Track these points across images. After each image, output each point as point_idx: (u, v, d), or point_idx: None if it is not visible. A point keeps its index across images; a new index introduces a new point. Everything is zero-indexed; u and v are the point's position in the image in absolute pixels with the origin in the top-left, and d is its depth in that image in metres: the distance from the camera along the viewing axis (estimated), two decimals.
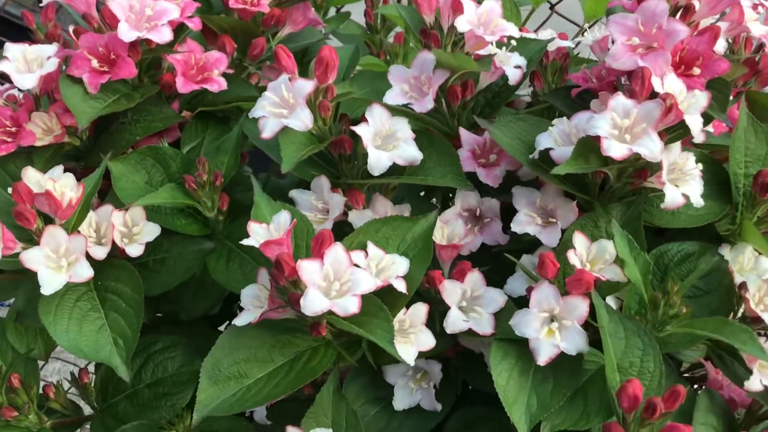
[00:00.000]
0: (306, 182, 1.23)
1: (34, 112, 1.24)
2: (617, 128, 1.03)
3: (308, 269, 0.98)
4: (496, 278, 1.17)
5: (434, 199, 1.43)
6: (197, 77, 1.29)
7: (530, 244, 1.22)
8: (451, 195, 1.39)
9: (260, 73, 1.51)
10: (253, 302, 1.09)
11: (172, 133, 1.33)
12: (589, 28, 2.03)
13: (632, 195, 1.15)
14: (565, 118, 1.13)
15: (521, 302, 1.14)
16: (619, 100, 1.04)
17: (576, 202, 1.16)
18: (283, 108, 1.12)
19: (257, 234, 1.06)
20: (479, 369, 1.19)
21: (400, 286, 1.05)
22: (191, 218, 1.27)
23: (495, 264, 1.21)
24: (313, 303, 0.97)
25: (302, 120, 1.10)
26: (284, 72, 1.15)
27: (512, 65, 1.23)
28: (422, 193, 1.36)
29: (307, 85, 1.12)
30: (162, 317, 1.44)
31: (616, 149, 1.01)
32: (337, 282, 1.00)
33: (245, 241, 1.05)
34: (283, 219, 1.06)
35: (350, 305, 0.97)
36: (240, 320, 1.07)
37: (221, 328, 1.57)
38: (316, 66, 1.12)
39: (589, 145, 1.07)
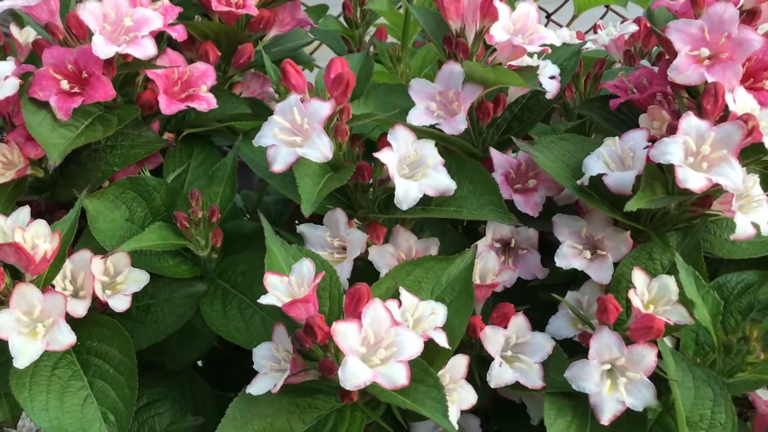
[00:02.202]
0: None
1: None
2: (692, 155, 0.90)
3: (345, 334, 0.83)
4: (531, 315, 1.04)
5: None
6: (181, 94, 1.10)
7: (568, 277, 1.09)
8: None
9: (244, 82, 1.34)
10: (271, 365, 0.92)
11: (153, 159, 1.14)
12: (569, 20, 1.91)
13: (687, 222, 1.03)
14: (617, 138, 0.99)
15: (565, 344, 1.02)
16: (692, 121, 0.90)
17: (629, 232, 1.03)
18: (296, 135, 0.96)
19: (276, 289, 0.89)
20: (520, 420, 1.06)
21: (442, 340, 0.92)
22: (179, 257, 1.10)
23: (529, 299, 1.08)
24: (354, 375, 0.81)
25: (320, 149, 0.94)
26: (293, 91, 0.98)
27: (547, 76, 1.08)
28: None
29: (324, 108, 0.95)
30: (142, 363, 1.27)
31: (694, 180, 0.87)
32: (380, 348, 0.84)
33: (263, 300, 0.89)
34: (305, 269, 0.89)
35: (398, 375, 0.83)
36: (256, 388, 0.91)
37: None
38: (332, 85, 0.96)
39: (653, 173, 0.94)
